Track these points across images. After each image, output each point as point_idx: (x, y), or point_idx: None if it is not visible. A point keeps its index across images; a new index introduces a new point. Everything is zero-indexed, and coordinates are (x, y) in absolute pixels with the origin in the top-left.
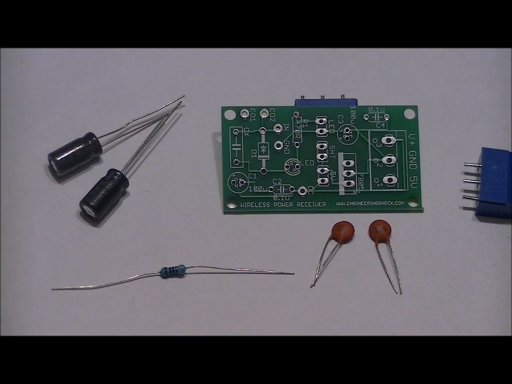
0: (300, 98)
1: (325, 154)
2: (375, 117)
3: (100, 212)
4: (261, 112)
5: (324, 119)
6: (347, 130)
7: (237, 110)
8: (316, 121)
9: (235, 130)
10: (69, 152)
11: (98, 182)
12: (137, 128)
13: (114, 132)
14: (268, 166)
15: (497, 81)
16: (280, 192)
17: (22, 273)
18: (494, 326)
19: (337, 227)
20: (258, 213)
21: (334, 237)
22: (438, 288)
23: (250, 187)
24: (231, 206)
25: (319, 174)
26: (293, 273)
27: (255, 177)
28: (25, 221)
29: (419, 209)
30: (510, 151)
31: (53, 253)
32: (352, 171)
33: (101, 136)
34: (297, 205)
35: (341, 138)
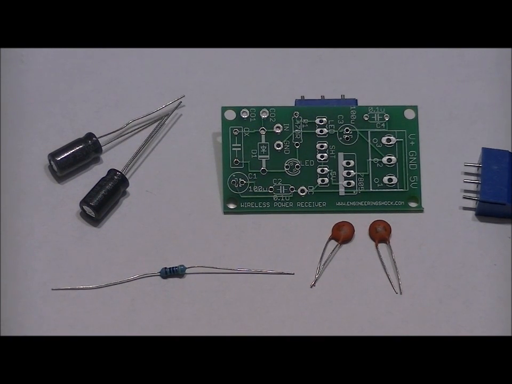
0: (300, 98)
1: (325, 154)
2: (375, 117)
3: (99, 212)
4: (261, 112)
5: (324, 119)
6: (347, 130)
7: (237, 110)
8: (316, 121)
9: (235, 130)
10: (69, 152)
11: (98, 182)
12: (137, 128)
13: (114, 132)
14: (268, 166)
15: (497, 81)
16: (280, 192)
17: (22, 273)
18: (494, 326)
19: (337, 227)
20: (258, 213)
21: (334, 237)
22: (438, 288)
23: (250, 187)
24: (231, 206)
25: (319, 174)
26: (293, 273)
27: (255, 177)
28: (25, 221)
29: (419, 209)
30: (510, 151)
31: (53, 253)
32: (352, 171)
33: (101, 136)
34: (297, 205)
35: (341, 138)
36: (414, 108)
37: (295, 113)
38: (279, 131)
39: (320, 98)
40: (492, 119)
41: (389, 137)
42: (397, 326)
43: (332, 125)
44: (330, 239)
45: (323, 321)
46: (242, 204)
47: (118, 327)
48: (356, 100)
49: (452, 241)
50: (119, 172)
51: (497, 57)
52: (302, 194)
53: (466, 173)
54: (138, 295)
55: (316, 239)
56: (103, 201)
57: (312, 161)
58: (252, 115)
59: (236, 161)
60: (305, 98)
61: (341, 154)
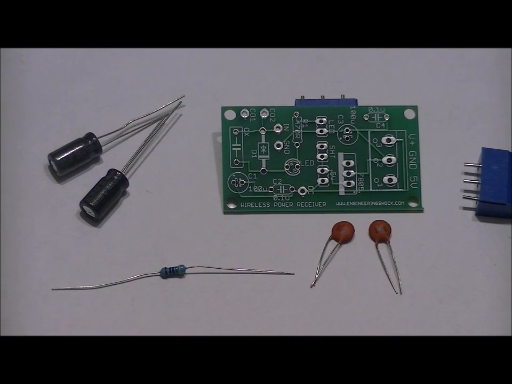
0: (300, 98)
1: (325, 154)
2: (375, 117)
3: (99, 212)
4: (261, 112)
5: (324, 119)
6: (347, 130)
7: (237, 110)
8: (316, 121)
9: (235, 130)
10: (69, 152)
11: (98, 182)
12: (137, 128)
13: (114, 131)
14: (268, 166)
15: (497, 81)
16: (280, 192)
17: (22, 273)
18: (494, 326)
19: (337, 227)
20: (258, 213)
21: (334, 237)
22: (438, 288)
23: (250, 187)
24: (231, 206)
25: (319, 174)
26: (293, 273)
27: (255, 177)
28: (25, 221)
29: (419, 209)
30: (510, 151)
31: (53, 253)
32: (352, 171)
33: (101, 136)
34: (297, 205)
35: (341, 138)
36: (414, 108)
37: (295, 113)
38: (279, 131)
39: (320, 98)
40: (492, 119)
41: (389, 137)
42: (397, 326)
43: (332, 125)
44: (330, 239)
45: (323, 321)
46: (242, 204)
47: (118, 327)
48: (356, 100)
49: (452, 241)
50: (119, 172)
51: (497, 57)
52: (302, 194)
53: (466, 173)
54: (138, 295)
55: (316, 239)
56: (103, 201)
57: (312, 161)
58: (251, 115)
59: (236, 161)
60: (305, 98)
61: (341, 154)
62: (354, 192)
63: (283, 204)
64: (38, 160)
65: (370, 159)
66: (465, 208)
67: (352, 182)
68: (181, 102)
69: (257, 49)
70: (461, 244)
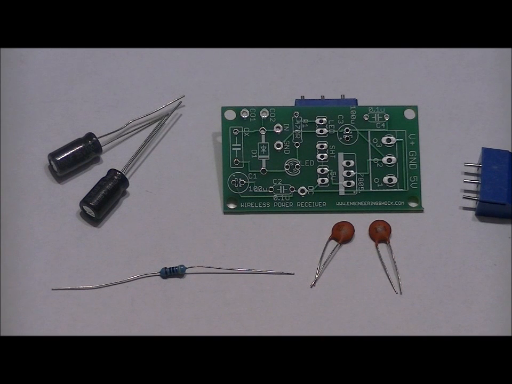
0: (300, 98)
1: (325, 154)
2: (375, 117)
3: (99, 212)
4: (261, 112)
5: (324, 119)
6: (347, 130)
7: (237, 110)
8: (316, 121)
9: (235, 130)
10: (69, 152)
11: (98, 182)
12: (137, 128)
13: (114, 132)
14: (268, 166)
15: (497, 81)
16: (280, 192)
17: (22, 273)
18: (494, 326)
19: (337, 227)
20: (258, 213)
21: (334, 237)
22: (438, 288)
23: (250, 187)
24: (231, 206)
25: (319, 174)
26: (293, 273)
27: (255, 177)
28: (25, 221)
29: (419, 209)
30: (510, 151)
31: (53, 253)
32: (352, 171)
33: (101, 136)
34: (297, 205)
35: (341, 138)
36: (414, 108)
37: (295, 113)
38: (279, 131)
39: (320, 98)
40: (492, 119)
41: (389, 137)
42: (397, 326)
43: (332, 125)
44: (330, 239)
45: (323, 321)
46: (242, 204)
47: (118, 327)
48: (356, 99)
49: (452, 241)
50: (119, 172)
51: (497, 57)
52: (302, 194)
53: (466, 173)
54: (138, 295)
55: (316, 239)
56: (103, 201)
57: (312, 161)
58: (252, 115)
59: (236, 161)
60: (305, 98)
61: (341, 154)
62: (354, 192)
63: (283, 204)
64: (38, 160)
65: (370, 159)
66: (465, 208)
67: (352, 182)
68: (181, 102)
69: (257, 49)
70: (461, 244)
